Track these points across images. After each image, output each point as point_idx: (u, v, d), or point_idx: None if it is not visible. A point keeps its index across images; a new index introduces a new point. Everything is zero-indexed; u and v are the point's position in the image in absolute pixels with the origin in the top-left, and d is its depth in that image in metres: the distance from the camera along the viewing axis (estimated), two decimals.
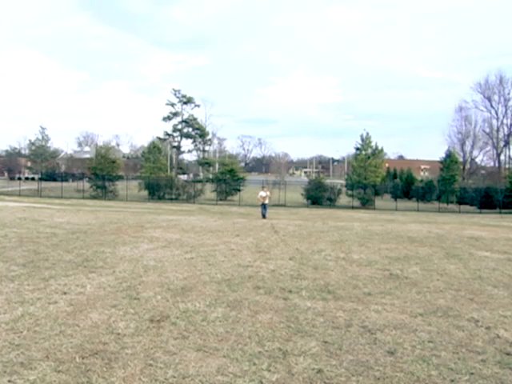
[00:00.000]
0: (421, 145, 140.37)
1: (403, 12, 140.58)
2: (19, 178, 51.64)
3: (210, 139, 66.15)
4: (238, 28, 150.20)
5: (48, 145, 62.95)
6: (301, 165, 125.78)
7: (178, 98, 58.68)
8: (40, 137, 61.00)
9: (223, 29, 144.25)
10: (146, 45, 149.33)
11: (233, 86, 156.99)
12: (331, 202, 38.06)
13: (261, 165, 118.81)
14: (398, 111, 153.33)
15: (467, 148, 60.19)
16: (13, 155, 68.73)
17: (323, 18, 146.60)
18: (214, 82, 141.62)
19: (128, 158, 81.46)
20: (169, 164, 54.21)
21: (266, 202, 20.14)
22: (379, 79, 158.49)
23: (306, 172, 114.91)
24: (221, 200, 38.74)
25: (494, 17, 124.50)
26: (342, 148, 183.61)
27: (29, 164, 63.64)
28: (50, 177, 50.44)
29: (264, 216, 19.44)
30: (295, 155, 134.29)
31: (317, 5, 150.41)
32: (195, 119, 60.52)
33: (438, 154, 79.92)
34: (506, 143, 60.67)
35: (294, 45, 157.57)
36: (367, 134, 41.83)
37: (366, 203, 38.59)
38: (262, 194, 20.35)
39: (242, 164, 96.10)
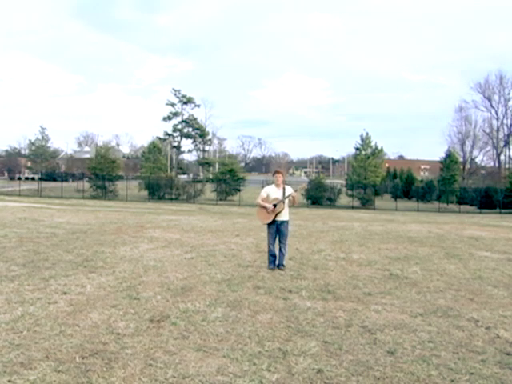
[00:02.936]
0: (419, 145, 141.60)
1: (383, 19, 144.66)
2: (19, 178, 51.56)
3: (209, 139, 66.16)
4: (224, 34, 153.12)
5: (48, 145, 62.89)
6: (301, 165, 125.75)
7: (177, 98, 58.72)
8: (40, 137, 60.96)
9: (210, 35, 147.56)
10: (137, 50, 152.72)
11: (225, 89, 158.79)
12: (331, 202, 38.03)
13: (261, 165, 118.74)
14: (388, 113, 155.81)
15: (467, 148, 60.23)
16: (13, 155, 68.62)
17: (307, 25, 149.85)
18: (207, 85, 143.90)
19: (128, 158, 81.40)
20: (169, 164, 54.17)
21: (285, 218, 7.10)
22: (366, 82, 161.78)
23: (305, 172, 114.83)
24: (221, 200, 38.71)
25: (477, 20, 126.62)
26: (341, 148, 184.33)
27: (29, 164, 63.58)
28: (50, 177, 50.41)
29: (275, 262, 7.02)
30: (295, 155, 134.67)
31: (298, 12, 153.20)
32: (195, 119, 60.54)
33: (438, 154, 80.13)
34: (506, 143, 60.66)
35: (281, 50, 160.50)
36: (367, 133, 41.78)
37: (365, 203, 38.56)
38: (270, 191, 7.10)
39: (242, 164, 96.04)
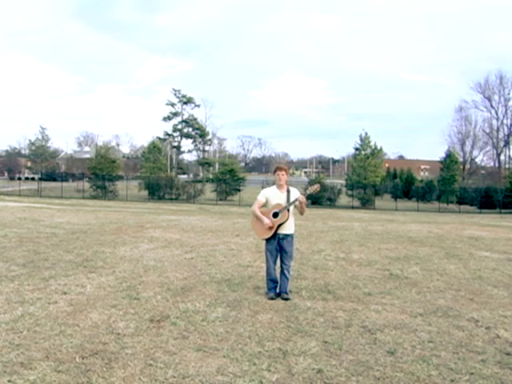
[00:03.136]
0: (419, 145, 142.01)
1: (382, 18, 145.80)
2: (19, 178, 51.53)
3: (209, 139, 66.21)
4: (224, 34, 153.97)
5: (48, 145, 62.94)
6: (301, 165, 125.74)
7: (177, 98, 58.74)
8: (40, 137, 61.00)
9: (210, 35, 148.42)
10: (137, 50, 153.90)
11: (225, 89, 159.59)
12: (331, 202, 37.99)
13: (261, 165, 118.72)
14: (388, 112, 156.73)
15: (467, 148, 60.25)
16: (13, 155, 68.63)
17: (306, 25, 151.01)
18: (207, 85, 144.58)
19: (128, 158, 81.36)
20: (169, 164, 54.18)
21: (289, 230, 5.39)
22: (366, 82, 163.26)
23: (305, 172, 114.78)
24: (221, 200, 38.69)
25: (477, 20, 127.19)
26: (341, 148, 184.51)
27: (29, 164, 63.58)
28: (50, 177, 50.43)
29: (276, 289, 5.36)
30: (295, 155, 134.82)
31: (298, 12, 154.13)
32: (195, 119, 60.57)
33: (438, 154, 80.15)
34: (506, 143, 60.67)
35: (281, 50, 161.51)
36: (366, 133, 41.73)
37: (365, 203, 38.53)
38: (271, 195, 5.42)
39: (242, 164, 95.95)
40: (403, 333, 4.19)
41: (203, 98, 72.57)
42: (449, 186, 43.23)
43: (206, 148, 66.47)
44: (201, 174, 67.04)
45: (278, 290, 5.35)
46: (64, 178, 48.46)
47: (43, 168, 55.91)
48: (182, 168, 64.38)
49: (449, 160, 45.91)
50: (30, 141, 62.36)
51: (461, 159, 55.42)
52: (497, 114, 60.68)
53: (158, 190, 39.40)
